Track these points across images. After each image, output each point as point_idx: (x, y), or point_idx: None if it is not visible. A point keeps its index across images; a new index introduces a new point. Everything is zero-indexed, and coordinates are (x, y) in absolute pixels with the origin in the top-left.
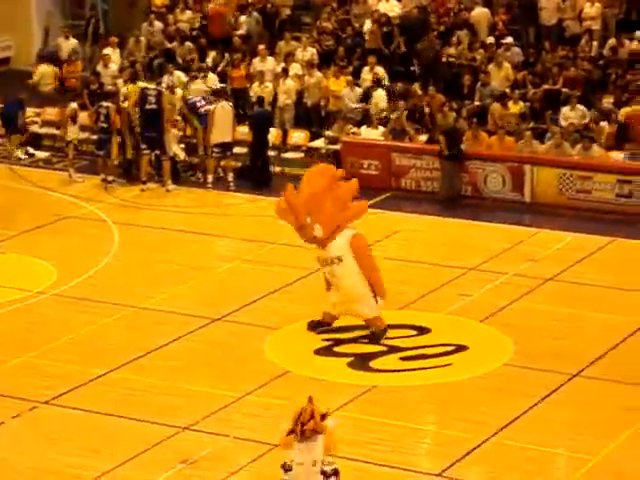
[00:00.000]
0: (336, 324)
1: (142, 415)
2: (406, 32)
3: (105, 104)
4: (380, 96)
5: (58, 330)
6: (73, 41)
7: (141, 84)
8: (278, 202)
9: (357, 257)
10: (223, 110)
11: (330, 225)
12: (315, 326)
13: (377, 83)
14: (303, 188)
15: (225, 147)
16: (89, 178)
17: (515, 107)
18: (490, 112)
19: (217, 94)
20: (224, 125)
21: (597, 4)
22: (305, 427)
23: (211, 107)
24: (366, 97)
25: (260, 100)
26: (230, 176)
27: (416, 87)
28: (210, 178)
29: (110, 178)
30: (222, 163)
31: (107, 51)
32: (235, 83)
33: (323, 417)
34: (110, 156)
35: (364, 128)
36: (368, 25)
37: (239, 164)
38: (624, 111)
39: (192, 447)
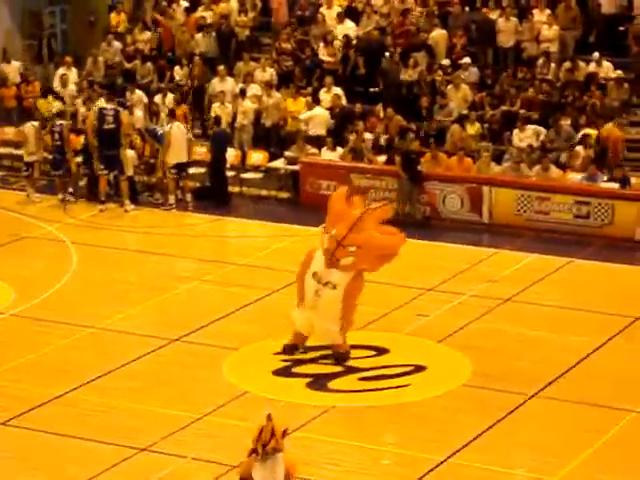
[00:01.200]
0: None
1: (100, 436)
2: (365, 53)
3: (59, 123)
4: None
5: (16, 350)
6: (16, 64)
7: (99, 104)
8: (340, 197)
9: (347, 292)
10: (178, 130)
11: (356, 268)
12: (290, 349)
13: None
14: (374, 222)
15: (180, 167)
16: (47, 198)
17: (472, 128)
18: (450, 133)
19: (172, 115)
20: (179, 145)
21: (555, 26)
22: (267, 447)
23: (166, 128)
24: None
25: (218, 119)
26: (188, 196)
27: (379, 108)
28: (172, 199)
29: (68, 197)
30: (180, 184)
31: (62, 71)
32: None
33: (284, 434)
34: (68, 175)
35: (324, 150)
36: (323, 47)
37: (197, 184)
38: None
39: (150, 468)
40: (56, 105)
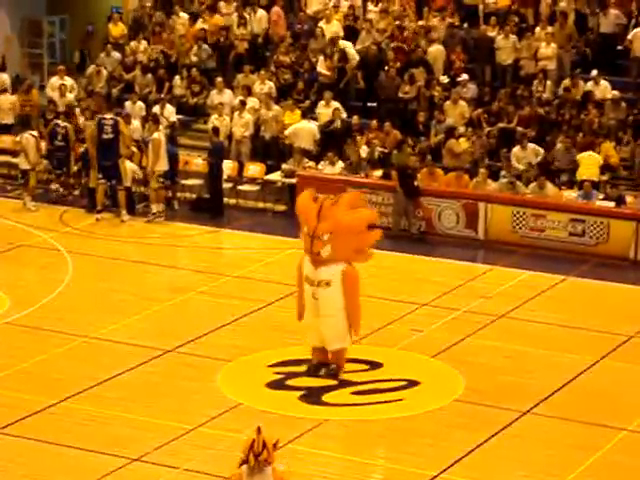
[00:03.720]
0: (289, 357)
1: (92, 445)
2: (363, 68)
3: (62, 124)
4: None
5: (9, 359)
6: (3, 75)
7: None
8: (305, 198)
9: (346, 287)
10: (164, 139)
11: (339, 256)
12: (316, 369)
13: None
14: (342, 207)
15: (164, 176)
16: (43, 207)
17: (466, 144)
18: (447, 147)
19: (156, 122)
20: (165, 154)
21: (553, 44)
22: (259, 457)
23: (155, 136)
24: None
25: (216, 130)
26: (161, 206)
27: (374, 123)
28: (156, 208)
29: (63, 191)
30: (178, 194)
31: (56, 79)
32: None
33: (275, 446)
34: (69, 174)
35: (324, 164)
36: (322, 61)
37: (194, 195)
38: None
39: (142, 478)
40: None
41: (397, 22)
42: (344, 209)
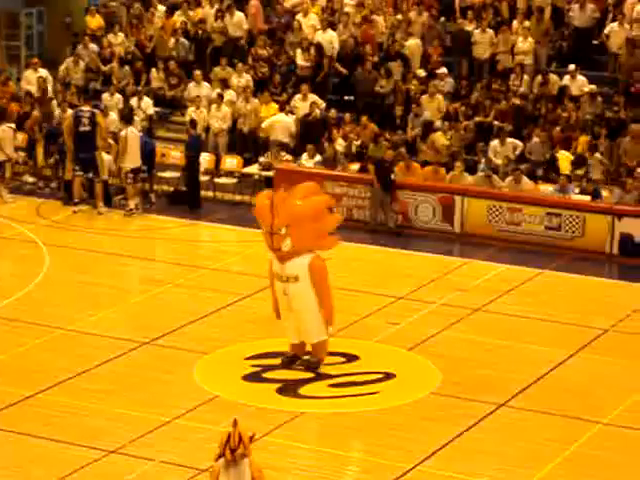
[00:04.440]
0: (266, 350)
1: (69, 437)
2: (341, 62)
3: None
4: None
5: None
6: None
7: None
8: (260, 198)
9: (314, 279)
10: (133, 135)
11: (301, 246)
12: (291, 361)
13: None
14: (293, 198)
15: (135, 172)
16: (20, 199)
17: (443, 138)
18: (429, 141)
19: (126, 119)
20: (134, 150)
21: (530, 39)
22: (235, 452)
23: (122, 133)
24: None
25: (193, 123)
26: (136, 199)
27: (348, 117)
28: (132, 204)
29: (41, 184)
30: (155, 187)
31: (29, 72)
32: None
33: (251, 439)
34: (34, 166)
35: (304, 157)
36: (300, 54)
37: (171, 188)
38: None
39: (118, 471)
40: None
41: (373, 16)
42: (296, 199)
